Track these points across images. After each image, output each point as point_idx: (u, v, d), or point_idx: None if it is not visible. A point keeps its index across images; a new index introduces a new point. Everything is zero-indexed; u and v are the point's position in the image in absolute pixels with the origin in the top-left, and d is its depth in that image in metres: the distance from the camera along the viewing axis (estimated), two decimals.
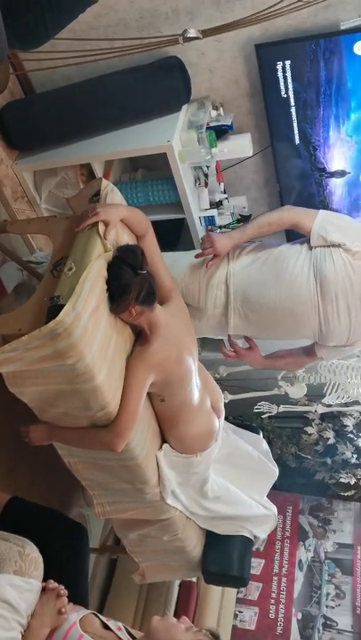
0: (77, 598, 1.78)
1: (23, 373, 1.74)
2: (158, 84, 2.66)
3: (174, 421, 2.13)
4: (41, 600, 1.59)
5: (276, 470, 2.60)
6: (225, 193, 2.95)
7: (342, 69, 2.55)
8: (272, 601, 3.61)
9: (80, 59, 2.61)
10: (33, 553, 1.65)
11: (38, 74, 2.82)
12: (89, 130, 2.76)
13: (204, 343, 3.27)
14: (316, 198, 2.95)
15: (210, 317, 2.30)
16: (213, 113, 2.78)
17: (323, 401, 3.29)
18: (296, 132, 2.76)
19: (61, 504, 2.78)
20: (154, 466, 2.13)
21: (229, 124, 2.75)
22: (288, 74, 2.58)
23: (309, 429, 3.85)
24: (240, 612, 3.56)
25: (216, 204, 2.90)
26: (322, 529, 3.87)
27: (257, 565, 3.69)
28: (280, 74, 2.59)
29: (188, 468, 2.22)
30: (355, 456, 3.75)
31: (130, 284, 1.80)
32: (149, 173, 3.00)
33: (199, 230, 2.90)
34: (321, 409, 3.44)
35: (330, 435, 3.78)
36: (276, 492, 2.74)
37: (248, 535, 2.53)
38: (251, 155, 2.84)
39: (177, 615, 2.56)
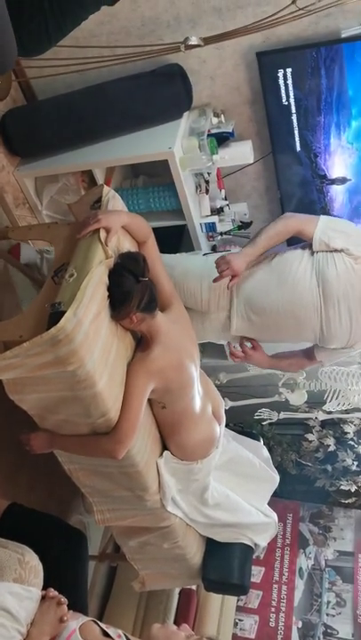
0: (77, 605, 1.77)
1: (24, 380, 1.73)
2: (160, 92, 2.67)
3: (175, 428, 2.13)
4: (41, 608, 1.59)
5: (276, 477, 2.60)
6: (226, 200, 2.96)
7: (343, 77, 2.56)
8: (272, 609, 3.59)
9: (82, 66, 2.62)
10: (33, 561, 1.65)
11: (40, 81, 2.83)
12: (90, 136, 2.77)
13: (205, 349, 3.26)
14: (316, 205, 2.96)
15: (213, 320, 2.32)
16: (215, 120, 2.78)
17: (323, 408, 3.29)
18: (297, 139, 2.76)
19: (61, 511, 2.77)
20: (154, 473, 2.12)
21: (231, 131, 2.76)
22: (289, 81, 2.59)
23: (310, 436, 3.85)
24: (240, 620, 3.55)
25: (217, 211, 2.90)
26: (322, 536, 3.85)
27: (257, 573, 3.67)
28: (281, 81, 2.59)
29: (189, 474, 2.22)
30: (355, 463, 3.75)
31: (131, 292, 1.80)
32: (151, 180, 3.00)
33: (200, 237, 2.91)
34: (322, 416, 3.45)
35: (330, 442, 3.78)
36: (276, 500, 2.73)
37: (248, 543, 2.52)
38: (252, 162, 2.84)
39: (177, 623, 2.54)
